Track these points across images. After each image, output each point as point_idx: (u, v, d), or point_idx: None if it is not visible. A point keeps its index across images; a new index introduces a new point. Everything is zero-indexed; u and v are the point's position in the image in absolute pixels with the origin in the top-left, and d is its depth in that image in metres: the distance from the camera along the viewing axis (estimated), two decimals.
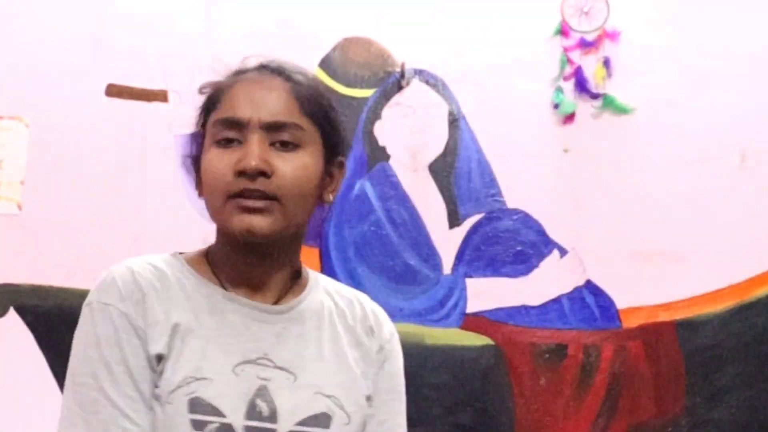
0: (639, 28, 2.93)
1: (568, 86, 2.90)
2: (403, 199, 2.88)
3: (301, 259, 1.43)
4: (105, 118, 2.84)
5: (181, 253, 1.40)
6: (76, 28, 2.87)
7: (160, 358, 1.29)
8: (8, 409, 2.69)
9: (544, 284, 2.85)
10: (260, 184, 1.30)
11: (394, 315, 2.78)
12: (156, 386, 1.29)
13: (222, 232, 1.37)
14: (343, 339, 1.41)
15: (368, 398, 1.40)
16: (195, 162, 1.40)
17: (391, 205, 2.87)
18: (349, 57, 2.91)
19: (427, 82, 2.91)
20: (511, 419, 2.81)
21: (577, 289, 2.85)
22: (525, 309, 2.83)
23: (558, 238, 2.87)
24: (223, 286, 1.36)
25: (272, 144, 1.32)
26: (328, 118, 1.38)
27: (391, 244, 2.86)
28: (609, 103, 2.90)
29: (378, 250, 2.85)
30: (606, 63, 2.91)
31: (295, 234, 1.38)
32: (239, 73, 1.39)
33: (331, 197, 1.41)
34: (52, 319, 2.74)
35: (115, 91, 2.85)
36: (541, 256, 2.86)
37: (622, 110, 2.90)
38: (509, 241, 2.86)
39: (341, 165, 1.42)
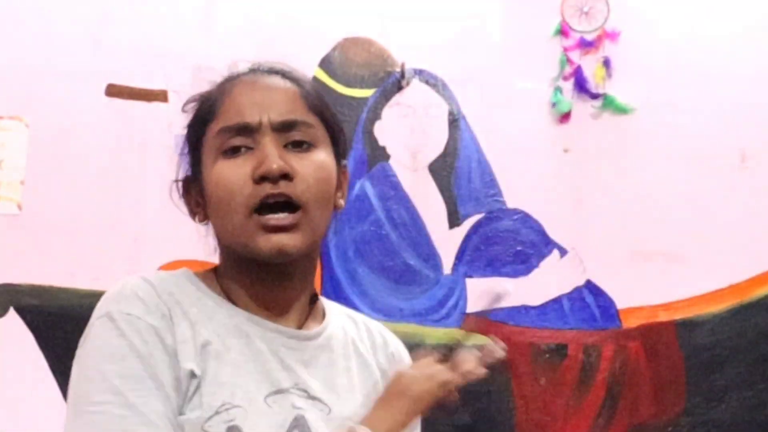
0: (639, 28, 2.93)
1: (567, 86, 2.90)
2: (403, 199, 2.88)
3: None
4: (105, 118, 2.84)
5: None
6: (76, 28, 2.87)
7: (192, 376, 1.17)
8: (8, 409, 2.69)
9: (544, 284, 2.85)
10: (284, 187, 1.21)
11: (394, 315, 2.82)
12: (181, 412, 1.16)
13: (238, 253, 1.25)
14: (369, 367, 1.35)
15: None
16: (188, 185, 1.32)
17: (391, 205, 2.87)
18: (349, 57, 2.91)
19: (427, 82, 2.91)
20: (511, 419, 2.81)
21: (577, 289, 2.85)
22: (525, 309, 2.83)
23: (558, 238, 2.87)
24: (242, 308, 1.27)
25: (284, 146, 1.24)
26: (333, 116, 1.32)
27: (391, 244, 2.86)
28: (609, 103, 2.90)
29: (378, 250, 2.85)
30: (606, 63, 2.91)
31: (315, 250, 1.29)
32: (231, 79, 1.30)
33: (342, 202, 1.33)
34: (52, 319, 2.74)
35: (114, 91, 2.85)
36: (541, 256, 2.86)
37: (622, 110, 2.90)
38: (509, 241, 2.86)
39: (346, 168, 1.35)
